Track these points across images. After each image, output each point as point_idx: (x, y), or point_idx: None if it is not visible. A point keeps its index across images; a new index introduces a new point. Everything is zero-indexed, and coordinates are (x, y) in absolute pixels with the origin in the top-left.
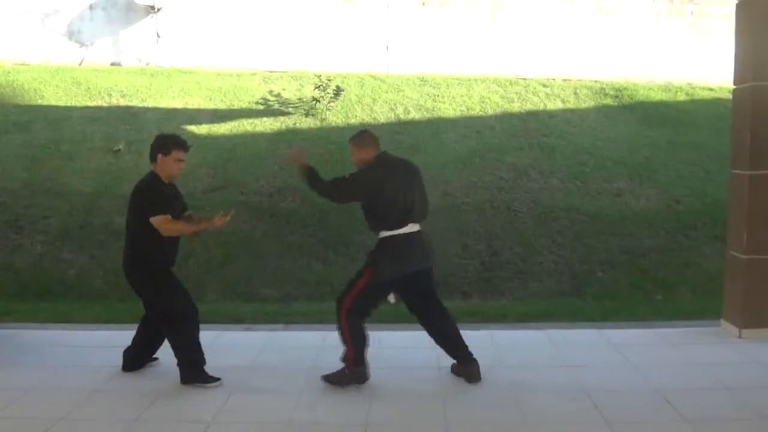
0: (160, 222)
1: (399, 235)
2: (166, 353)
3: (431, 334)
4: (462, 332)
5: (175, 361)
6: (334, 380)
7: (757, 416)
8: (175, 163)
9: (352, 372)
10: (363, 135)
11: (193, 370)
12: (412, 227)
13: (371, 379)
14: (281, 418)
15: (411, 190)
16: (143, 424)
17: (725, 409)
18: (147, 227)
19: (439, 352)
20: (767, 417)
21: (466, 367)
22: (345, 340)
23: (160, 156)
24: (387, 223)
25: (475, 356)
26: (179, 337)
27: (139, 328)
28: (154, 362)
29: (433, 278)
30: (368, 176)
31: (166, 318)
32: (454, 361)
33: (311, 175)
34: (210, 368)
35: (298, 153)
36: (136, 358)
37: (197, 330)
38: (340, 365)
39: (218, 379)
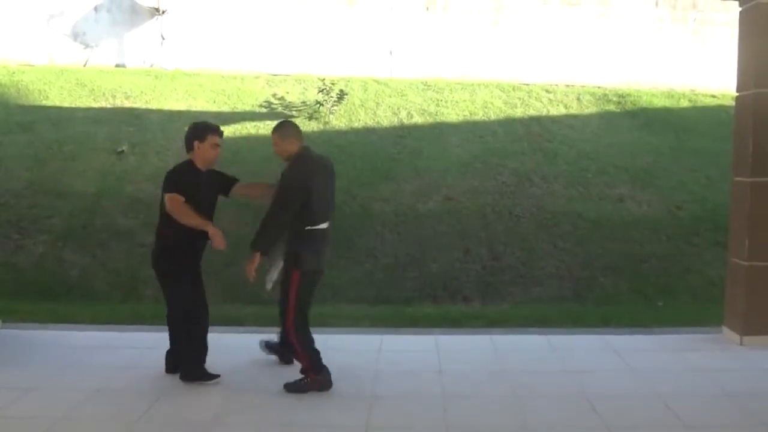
0: (171, 199)
1: (319, 229)
2: (163, 354)
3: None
4: (462, 337)
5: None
6: (294, 389)
7: (758, 422)
8: (212, 149)
9: (314, 380)
10: (286, 125)
11: (194, 368)
12: (326, 224)
13: (372, 382)
14: (282, 420)
15: (330, 187)
16: (144, 425)
17: (726, 415)
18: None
19: (440, 355)
20: (767, 423)
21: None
22: (299, 355)
23: (196, 143)
24: (311, 218)
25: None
26: (185, 333)
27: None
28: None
29: None
30: (297, 179)
31: (175, 310)
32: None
33: (261, 236)
34: (212, 370)
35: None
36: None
37: (205, 329)
38: (343, 368)
39: (217, 376)
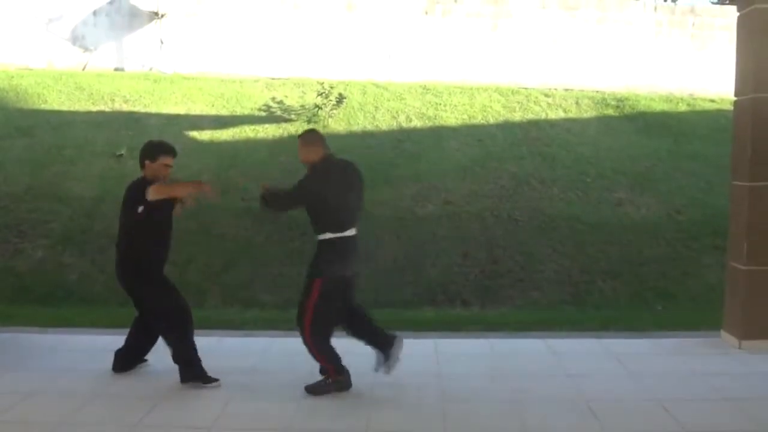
0: (154, 190)
1: (343, 237)
2: (163, 358)
3: (358, 335)
4: (461, 340)
5: (174, 365)
6: (315, 390)
7: (756, 426)
8: (162, 169)
9: (336, 381)
10: (311, 134)
11: (192, 368)
12: (351, 231)
13: (372, 386)
14: (281, 425)
15: (354, 194)
16: (144, 429)
17: (724, 419)
18: (138, 227)
19: (440, 359)
20: (766, 427)
21: (390, 346)
22: (318, 358)
23: (147, 162)
24: (333, 225)
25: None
26: (175, 336)
27: (131, 330)
28: (143, 364)
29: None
30: (313, 182)
31: (161, 317)
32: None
33: (271, 195)
34: (210, 373)
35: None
36: (127, 360)
37: (192, 329)
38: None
39: (217, 380)
